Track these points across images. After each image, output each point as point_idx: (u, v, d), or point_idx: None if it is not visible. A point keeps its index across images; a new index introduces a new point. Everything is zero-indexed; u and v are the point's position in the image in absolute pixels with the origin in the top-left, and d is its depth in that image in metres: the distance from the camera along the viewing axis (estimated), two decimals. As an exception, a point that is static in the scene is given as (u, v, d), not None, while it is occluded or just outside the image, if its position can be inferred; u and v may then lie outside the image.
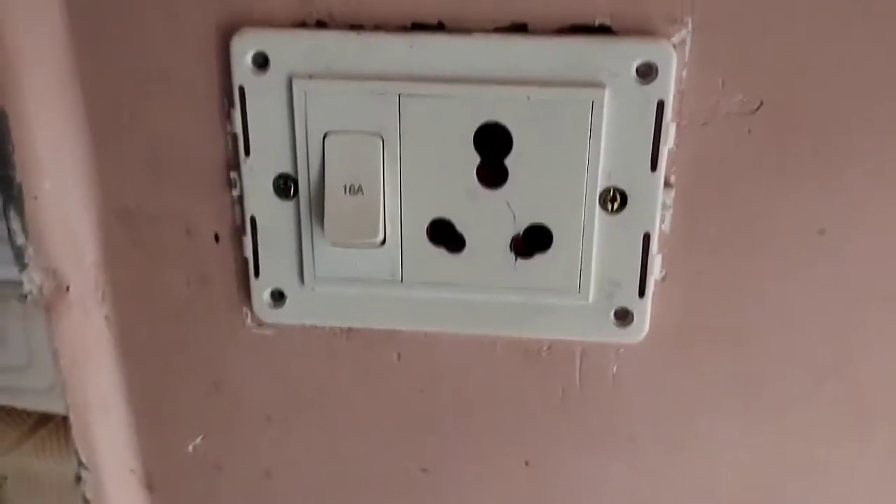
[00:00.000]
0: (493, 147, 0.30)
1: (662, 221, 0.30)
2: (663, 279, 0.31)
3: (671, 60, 0.28)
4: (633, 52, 0.28)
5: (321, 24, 0.29)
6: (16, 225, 0.32)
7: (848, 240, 0.29)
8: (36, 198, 0.31)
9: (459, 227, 0.31)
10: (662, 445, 0.34)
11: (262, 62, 0.29)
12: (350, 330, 0.33)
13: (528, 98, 0.28)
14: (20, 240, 0.32)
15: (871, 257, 0.29)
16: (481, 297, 0.32)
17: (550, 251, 0.30)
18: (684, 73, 0.28)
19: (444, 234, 0.31)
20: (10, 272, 0.33)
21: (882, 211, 0.29)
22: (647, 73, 0.28)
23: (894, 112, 0.27)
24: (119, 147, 0.32)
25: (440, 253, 0.31)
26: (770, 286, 0.30)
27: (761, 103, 0.28)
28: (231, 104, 0.30)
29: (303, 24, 0.29)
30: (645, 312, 0.31)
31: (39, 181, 0.31)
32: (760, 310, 0.31)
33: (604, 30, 0.28)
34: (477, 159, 0.30)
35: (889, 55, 0.27)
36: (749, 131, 0.28)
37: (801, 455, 0.33)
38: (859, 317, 0.30)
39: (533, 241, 0.31)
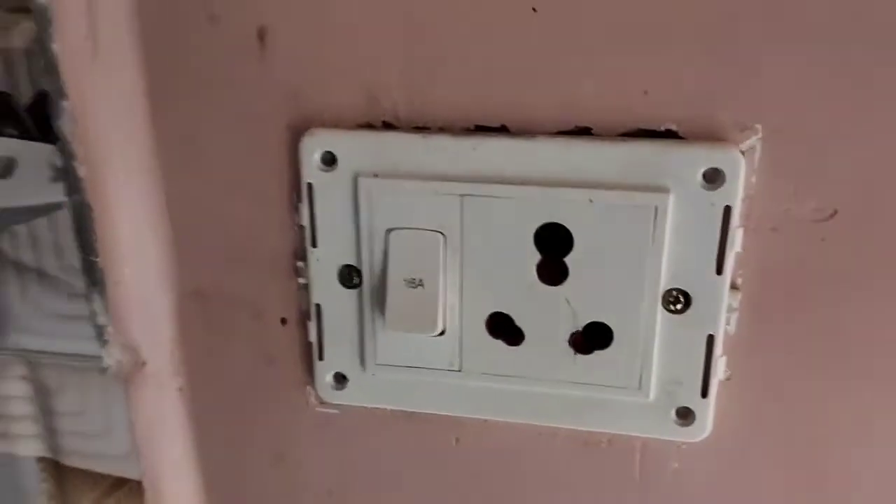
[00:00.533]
0: (554, 245, 0.30)
1: (728, 323, 0.30)
2: (728, 379, 0.30)
3: (739, 167, 0.27)
4: (700, 157, 0.27)
5: (387, 126, 0.30)
6: (98, 306, 0.34)
7: (926, 351, 0.28)
8: (117, 283, 0.33)
9: (518, 321, 0.31)
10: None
11: (330, 160, 0.30)
12: (410, 413, 0.34)
13: (591, 201, 0.28)
14: (102, 320, 0.34)
15: (951, 369, 0.28)
16: (539, 389, 0.32)
17: (610, 348, 0.30)
18: (753, 178, 0.28)
19: (504, 327, 0.31)
20: (92, 347, 0.35)
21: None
22: (713, 178, 0.27)
23: (977, 223, 0.26)
24: (196, 236, 0.33)
25: (499, 345, 0.31)
26: (838, 400, 0.29)
27: (835, 211, 0.27)
28: (300, 199, 0.31)
29: (369, 126, 0.30)
30: (707, 412, 0.31)
31: (120, 268, 0.33)
32: (827, 423, 0.30)
33: (670, 134, 0.28)
34: (538, 257, 0.30)
35: (971, 167, 0.25)
36: (823, 239, 0.28)
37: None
38: (937, 429, 0.29)
39: (593, 337, 0.31)
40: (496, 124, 0.29)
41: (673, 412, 0.31)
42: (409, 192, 0.30)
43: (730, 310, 0.29)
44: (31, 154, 0.32)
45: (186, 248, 0.33)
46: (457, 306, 0.31)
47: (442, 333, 0.31)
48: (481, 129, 0.29)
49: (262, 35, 0.29)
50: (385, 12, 0.28)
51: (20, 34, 0.30)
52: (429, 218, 0.30)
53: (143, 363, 0.35)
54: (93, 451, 0.37)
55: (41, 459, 0.37)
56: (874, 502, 0.30)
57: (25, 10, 0.29)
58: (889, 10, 0.25)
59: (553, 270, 0.30)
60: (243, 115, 0.31)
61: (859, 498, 0.31)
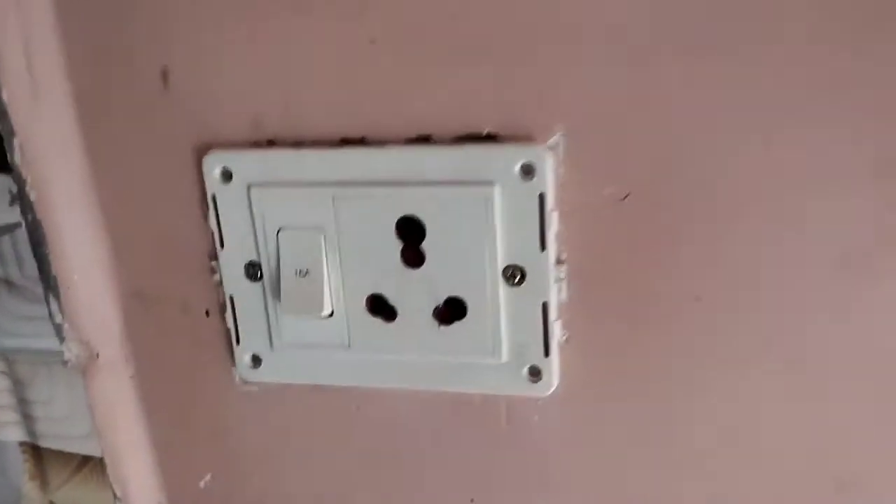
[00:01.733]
0: (413, 234, 0.36)
1: (560, 292, 0.35)
2: (566, 341, 0.36)
3: (547, 161, 0.33)
4: (516, 155, 0.33)
5: (271, 143, 0.36)
6: (54, 308, 0.40)
7: (721, 305, 0.33)
8: (69, 287, 0.40)
9: (391, 301, 0.37)
10: (582, 491, 0.38)
11: (227, 175, 0.37)
12: (316, 386, 0.40)
13: (435, 196, 0.35)
14: (58, 319, 0.41)
15: (742, 320, 0.33)
16: (414, 358, 0.37)
17: (466, 319, 0.36)
18: (561, 170, 0.33)
19: (381, 307, 0.37)
20: (55, 343, 0.41)
21: (751, 276, 0.33)
22: (528, 171, 0.33)
23: (742, 192, 0.32)
24: (131, 244, 0.40)
25: (378, 322, 0.37)
26: (654, 349, 0.35)
27: (629, 193, 0.33)
28: (207, 208, 0.38)
29: (257, 144, 0.36)
30: (552, 370, 0.36)
31: (70, 275, 0.40)
32: (650, 371, 0.35)
33: (491, 137, 0.34)
34: (400, 245, 0.36)
35: (726, 149, 0.31)
36: (621, 215, 0.33)
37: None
38: (739, 375, 0.34)
39: (453, 310, 0.36)
40: (357, 137, 0.35)
41: (525, 370, 0.37)
42: (291, 198, 0.36)
43: (557, 280, 0.35)
44: (-8, 184, 0.39)
45: (124, 254, 0.40)
46: (340, 291, 0.37)
47: (331, 315, 0.38)
48: (345, 142, 0.35)
49: (165, 74, 0.36)
50: (263, 52, 0.35)
51: (-24, 87, 0.37)
52: (309, 218, 0.36)
53: (97, 355, 0.42)
54: (62, 433, 0.43)
55: (22, 443, 0.44)
56: (705, 440, 0.36)
57: (-22, 68, 0.36)
58: (652, 26, 0.30)
59: (414, 255, 0.36)
60: (156, 140, 0.37)
61: (690, 432, 0.36)
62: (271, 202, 0.37)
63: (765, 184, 0.31)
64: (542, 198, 0.34)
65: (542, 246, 0.34)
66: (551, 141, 0.33)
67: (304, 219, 0.36)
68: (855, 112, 0.29)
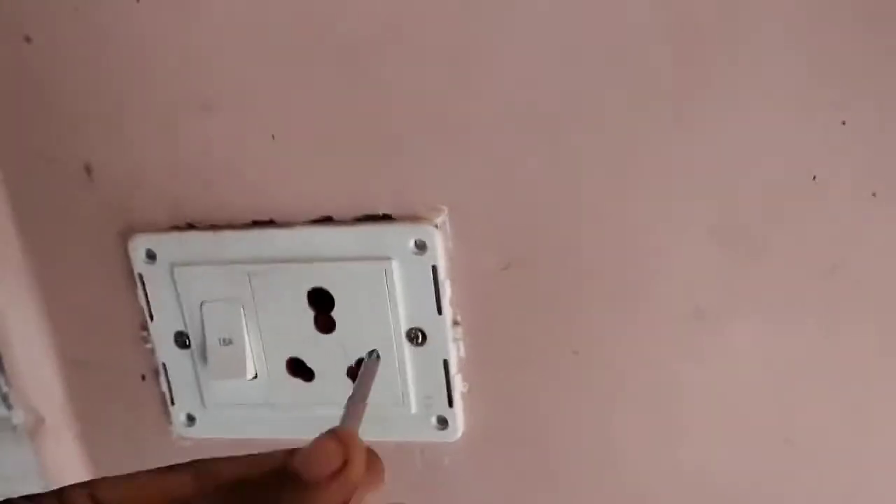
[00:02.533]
0: (323, 303, 0.39)
1: (458, 349, 0.39)
2: (468, 391, 0.40)
3: (435, 237, 0.37)
4: (408, 232, 0.37)
5: (190, 226, 0.40)
6: (1, 380, 0.44)
7: (594, 357, 0.38)
8: (12, 360, 0.43)
9: (308, 363, 0.41)
10: (494, 517, 0.42)
11: (152, 256, 0.40)
12: (244, 440, 0.44)
13: (339, 270, 0.38)
14: (3, 388, 0.44)
15: (612, 369, 0.38)
16: (332, 412, 0.41)
17: (377, 377, 0.40)
18: (450, 244, 0.37)
19: (300, 368, 0.41)
20: (3, 410, 0.45)
21: (617, 330, 0.37)
22: (421, 246, 0.37)
23: (604, 257, 0.36)
24: (68, 317, 0.43)
25: (298, 382, 0.41)
26: (541, 397, 0.39)
27: (509, 263, 0.37)
28: (136, 285, 0.41)
29: (177, 227, 0.40)
30: (456, 418, 0.40)
31: (13, 349, 0.43)
32: (537, 417, 0.39)
33: (387, 217, 0.38)
34: (312, 313, 0.40)
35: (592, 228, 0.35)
36: (505, 282, 0.37)
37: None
38: (611, 419, 0.38)
39: (364, 369, 0.40)
40: (266, 219, 0.39)
41: (434, 419, 0.41)
42: (210, 274, 0.40)
43: (455, 339, 0.39)
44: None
45: (62, 327, 0.43)
46: (262, 356, 0.41)
47: (255, 377, 0.41)
48: (257, 223, 0.39)
49: (88, 169, 0.39)
50: (178, 146, 0.38)
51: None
52: (228, 291, 0.40)
53: (43, 420, 0.45)
54: (16, 493, 0.46)
55: (-23, 503, 0.47)
56: (579, 475, 0.40)
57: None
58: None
59: (326, 321, 0.40)
60: (84, 225, 0.41)
61: (567, 468, 0.40)
62: (193, 279, 0.40)
63: (622, 249, 0.35)
64: (434, 269, 0.37)
65: (439, 310, 0.38)
66: (439, 220, 0.37)
67: (224, 293, 0.40)
68: (692, 183, 0.34)
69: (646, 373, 0.37)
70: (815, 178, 0.32)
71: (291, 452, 0.24)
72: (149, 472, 0.24)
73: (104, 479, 0.24)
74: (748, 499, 0.39)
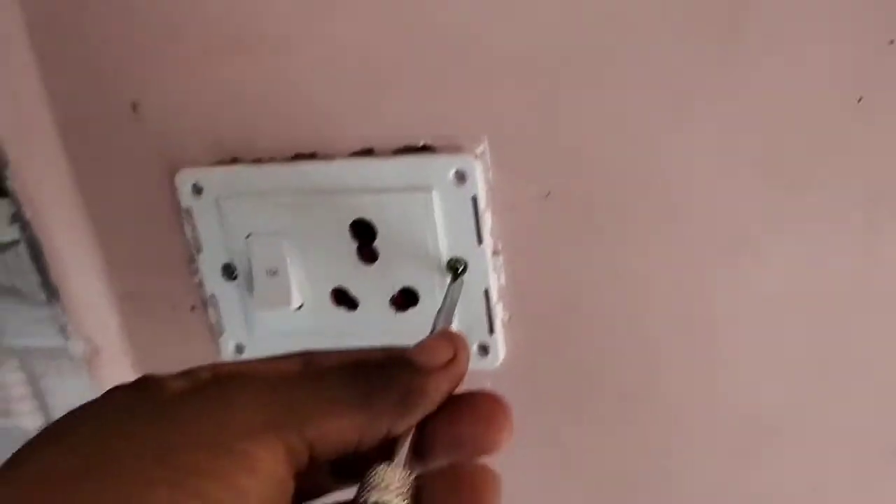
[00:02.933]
0: (366, 234, 0.40)
1: (499, 278, 0.40)
2: (509, 320, 0.41)
3: (476, 168, 0.37)
4: (449, 164, 0.38)
5: (235, 160, 0.41)
6: (58, 311, 0.45)
7: (631, 281, 0.38)
8: (68, 292, 0.45)
9: (352, 293, 0.42)
10: (527, 445, 0.44)
11: (198, 190, 0.41)
12: (293, 368, 0.45)
13: (381, 201, 0.39)
14: (63, 321, 0.46)
15: (650, 292, 0.38)
16: (376, 341, 0.42)
17: (419, 305, 0.41)
18: (490, 174, 0.38)
19: (344, 298, 0.42)
20: (62, 341, 0.47)
21: (657, 255, 0.37)
22: (461, 177, 0.38)
23: (642, 185, 0.36)
24: (119, 252, 0.45)
25: (342, 311, 0.42)
26: (580, 324, 0.40)
27: (550, 191, 0.37)
28: (184, 219, 0.42)
29: (222, 162, 0.41)
30: (497, 345, 0.41)
31: (68, 281, 0.45)
32: (576, 343, 0.40)
33: (427, 148, 0.38)
34: (355, 244, 0.40)
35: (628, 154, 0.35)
36: (545, 210, 0.38)
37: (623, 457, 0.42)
38: (649, 346, 0.39)
39: (407, 298, 0.41)
40: (308, 152, 0.40)
41: (475, 347, 0.42)
42: (255, 207, 0.41)
43: (496, 269, 0.40)
44: (-8, 206, 0.44)
45: (114, 261, 0.45)
46: (307, 286, 0.42)
47: (301, 307, 0.43)
48: (299, 157, 0.40)
49: (135, 107, 0.40)
50: (222, 85, 0.39)
51: (-31, 125, 0.41)
52: (273, 224, 0.41)
53: (98, 350, 0.47)
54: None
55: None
56: (619, 399, 0.41)
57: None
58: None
59: (369, 252, 0.41)
60: (134, 162, 0.42)
61: (607, 396, 0.41)
62: (239, 212, 0.41)
63: (664, 178, 0.35)
64: (474, 199, 0.38)
65: (480, 240, 0.39)
66: (478, 150, 0.37)
67: (269, 225, 0.41)
68: (737, 113, 0.33)
69: (684, 300, 0.38)
70: (860, 99, 0.32)
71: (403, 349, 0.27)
72: (262, 357, 0.28)
73: (225, 362, 0.28)
74: (786, 424, 0.39)
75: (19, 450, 0.23)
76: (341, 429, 0.25)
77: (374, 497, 0.24)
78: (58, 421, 0.24)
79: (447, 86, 0.36)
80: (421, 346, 0.27)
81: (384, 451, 0.25)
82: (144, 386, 0.26)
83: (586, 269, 0.39)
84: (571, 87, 0.35)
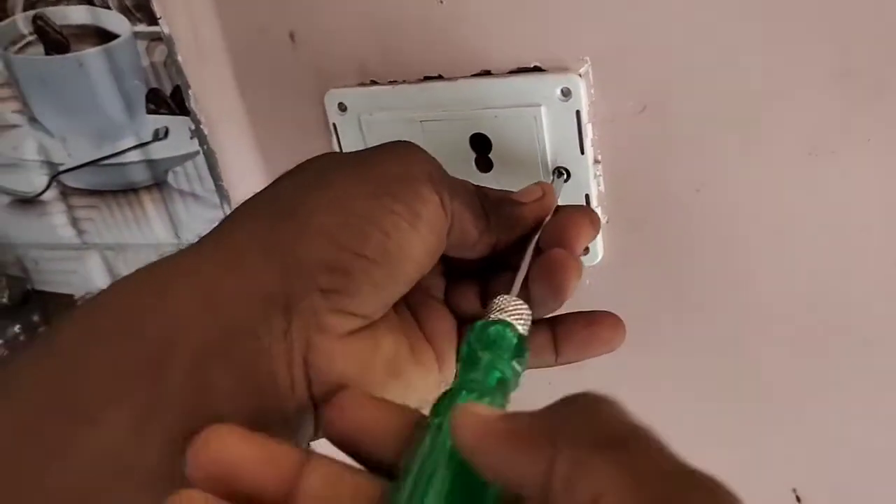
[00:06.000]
0: (483, 146, 0.47)
1: (598, 185, 0.46)
2: (607, 222, 0.47)
3: (580, 85, 0.43)
4: (556, 82, 0.43)
5: (373, 83, 0.48)
6: (227, 211, 0.55)
7: (716, 192, 0.43)
8: (235, 196, 0.54)
9: (471, 197, 0.48)
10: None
11: (343, 108, 0.49)
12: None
13: (496, 117, 0.45)
14: (231, 219, 0.55)
15: (732, 202, 0.43)
16: (490, 240, 0.49)
17: (528, 209, 0.47)
18: (592, 90, 0.43)
19: (464, 202, 0.49)
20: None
21: (739, 166, 0.42)
22: (567, 93, 0.43)
23: (730, 100, 0.40)
24: (279, 162, 0.53)
25: (462, 214, 0.49)
26: (670, 228, 0.45)
27: (645, 106, 0.42)
28: (331, 132, 0.50)
29: (362, 84, 0.48)
30: (597, 245, 0.47)
31: (237, 187, 0.54)
32: (667, 245, 0.45)
33: (538, 69, 0.44)
34: (473, 155, 0.47)
35: (720, 68, 0.40)
36: (641, 124, 0.43)
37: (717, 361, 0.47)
38: (730, 250, 0.44)
39: (518, 203, 0.48)
40: (435, 74, 0.46)
41: (576, 247, 0.48)
42: (390, 122, 0.48)
43: (595, 176, 0.45)
44: (177, 124, 0.53)
45: (273, 169, 0.54)
46: (433, 191, 0.49)
47: (427, 209, 0.50)
48: (427, 78, 0.46)
49: (292, 36, 0.48)
50: (364, 15, 0.46)
51: (160, 53, 0.50)
52: (404, 136, 0.47)
53: (260, 245, 0.56)
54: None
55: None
56: (707, 297, 0.46)
57: (160, 39, 0.50)
58: (645, -22, 0.39)
59: (485, 163, 0.47)
60: (290, 84, 0.50)
61: (696, 293, 0.46)
62: (376, 126, 0.48)
63: (747, 91, 0.40)
64: (578, 114, 0.43)
65: (582, 150, 0.44)
66: (582, 70, 0.43)
67: (401, 137, 0.48)
68: (820, 25, 0.37)
69: (764, 207, 0.42)
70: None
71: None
72: None
73: None
74: (858, 321, 0.44)
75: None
76: (469, 222, 0.34)
77: (497, 316, 0.31)
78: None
79: (554, 12, 0.42)
80: (521, 189, 0.38)
81: (503, 283, 0.34)
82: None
83: (676, 176, 0.43)
84: (662, 12, 0.40)
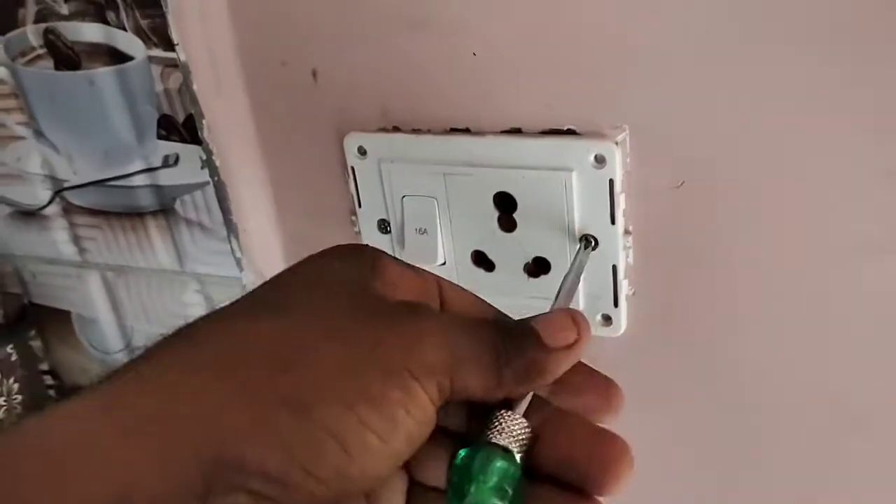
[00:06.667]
0: (507, 205, 0.44)
1: (627, 256, 0.43)
2: (633, 294, 0.44)
3: (615, 153, 0.40)
4: (590, 147, 0.41)
5: (396, 129, 0.45)
6: (235, 246, 0.52)
7: (754, 273, 0.40)
8: (245, 231, 0.52)
9: (490, 256, 0.46)
10: (639, 403, 0.47)
11: (363, 152, 0.46)
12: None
13: (524, 177, 0.43)
14: (238, 254, 0.53)
15: (773, 284, 0.40)
16: (508, 301, 0.46)
17: (550, 273, 0.45)
18: (628, 160, 0.40)
19: (483, 260, 0.46)
20: (236, 271, 0.54)
21: (781, 252, 0.39)
22: (601, 160, 0.41)
23: (775, 186, 0.38)
24: (290, 200, 0.51)
25: (480, 272, 0.47)
26: (700, 305, 0.42)
27: (684, 181, 0.40)
28: (348, 176, 0.48)
29: (385, 130, 0.45)
30: (620, 317, 0.45)
31: (246, 221, 0.51)
32: (696, 322, 0.43)
33: (571, 132, 0.41)
34: (497, 213, 0.44)
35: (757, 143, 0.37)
36: (678, 200, 0.40)
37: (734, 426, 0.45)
38: (762, 337, 0.41)
39: (540, 266, 0.45)
40: (462, 127, 0.44)
41: (599, 317, 0.45)
42: (411, 172, 0.45)
43: (625, 248, 0.43)
44: (188, 152, 0.50)
45: (285, 208, 0.51)
46: (451, 246, 0.47)
47: (444, 264, 0.47)
48: (454, 130, 0.44)
49: (314, 74, 0.45)
50: (389, 58, 0.43)
51: (174, 80, 0.48)
52: (426, 188, 0.45)
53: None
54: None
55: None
56: (734, 380, 0.43)
57: (175, 66, 0.47)
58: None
59: (508, 222, 0.45)
60: (309, 123, 0.47)
61: (721, 370, 0.44)
62: (397, 174, 0.46)
63: (795, 180, 0.37)
64: (611, 182, 0.41)
65: (612, 220, 0.42)
66: (619, 137, 0.40)
67: (422, 189, 0.45)
68: (877, 122, 0.35)
69: (802, 298, 0.39)
70: None
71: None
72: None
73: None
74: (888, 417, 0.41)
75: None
76: (474, 384, 0.27)
77: (497, 440, 0.27)
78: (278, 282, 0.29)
79: (594, 76, 0.39)
80: (548, 321, 0.29)
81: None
82: (368, 263, 0.30)
83: (709, 256, 0.41)
84: (710, 87, 0.37)
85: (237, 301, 0.28)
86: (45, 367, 0.67)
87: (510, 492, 0.26)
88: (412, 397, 0.25)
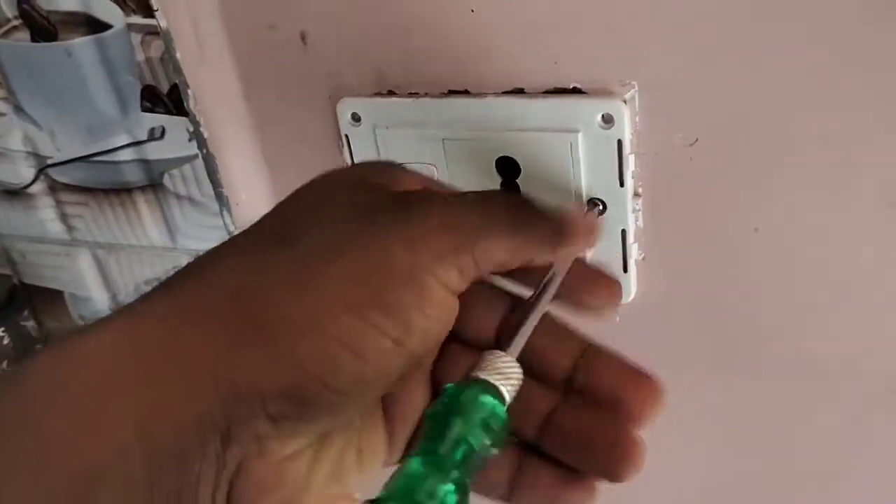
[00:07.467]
0: (510, 170, 0.42)
1: (637, 220, 0.41)
2: (643, 259, 0.42)
3: (623, 112, 0.38)
4: (597, 107, 0.38)
5: (391, 93, 0.43)
6: (227, 220, 0.50)
7: (776, 236, 0.38)
8: (236, 204, 0.50)
9: (494, 224, 0.44)
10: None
11: (357, 118, 0.44)
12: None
13: (528, 140, 0.40)
14: (231, 228, 0.51)
15: (795, 249, 0.38)
16: (513, 270, 0.45)
17: (557, 240, 0.43)
18: (637, 119, 0.38)
19: (486, 228, 0.44)
20: (230, 245, 0.52)
21: (805, 213, 0.37)
22: (608, 120, 0.39)
23: (797, 141, 0.36)
24: (283, 171, 0.49)
25: (483, 240, 0.45)
26: (716, 269, 0.40)
27: (697, 139, 0.38)
28: (342, 144, 0.45)
29: (380, 94, 0.43)
30: (630, 282, 0.43)
31: (238, 194, 0.49)
32: (710, 287, 0.41)
33: (577, 91, 0.39)
34: (499, 179, 0.42)
35: (781, 98, 0.35)
36: (690, 158, 0.38)
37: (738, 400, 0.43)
38: (782, 297, 0.40)
39: (545, 232, 0.43)
40: (461, 88, 0.41)
41: (608, 283, 0.43)
42: (408, 138, 0.43)
43: (634, 211, 0.41)
44: (174, 124, 0.48)
45: (278, 179, 0.49)
46: (452, 213, 0.45)
47: (445, 232, 0.45)
48: (452, 92, 0.42)
49: (303, 37, 0.43)
50: (384, 18, 0.41)
51: (156, 48, 0.46)
52: (423, 155, 0.43)
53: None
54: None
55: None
56: (750, 344, 0.42)
57: (156, 33, 0.45)
58: None
59: (511, 188, 0.43)
60: (299, 89, 0.45)
61: (738, 340, 0.42)
62: (393, 141, 0.44)
63: (815, 138, 0.35)
64: (619, 143, 0.39)
65: (621, 183, 0.40)
66: (628, 95, 0.38)
67: (420, 155, 0.43)
68: (890, 79, 0.33)
69: (825, 259, 0.38)
70: None
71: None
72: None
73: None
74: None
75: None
76: (499, 249, 0.27)
77: (487, 377, 0.26)
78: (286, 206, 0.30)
79: (599, 29, 0.37)
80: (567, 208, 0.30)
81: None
82: (367, 166, 0.31)
83: (723, 218, 0.39)
84: (731, 33, 0.35)
85: (243, 233, 0.28)
86: (40, 347, 0.66)
87: (496, 431, 0.25)
88: (426, 297, 0.25)
